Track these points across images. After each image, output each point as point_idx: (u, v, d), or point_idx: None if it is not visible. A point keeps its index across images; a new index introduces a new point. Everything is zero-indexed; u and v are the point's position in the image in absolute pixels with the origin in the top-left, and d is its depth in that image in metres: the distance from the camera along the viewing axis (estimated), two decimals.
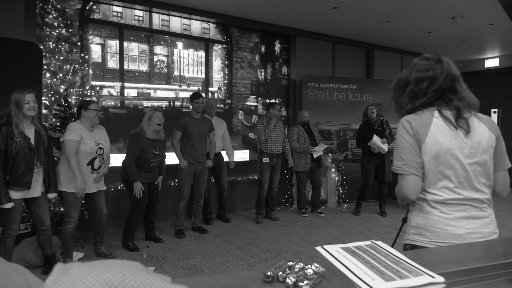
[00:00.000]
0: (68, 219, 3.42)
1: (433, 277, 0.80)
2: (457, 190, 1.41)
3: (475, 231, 1.40)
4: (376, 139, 5.46)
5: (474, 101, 1.47)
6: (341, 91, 6.85)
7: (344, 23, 6.27)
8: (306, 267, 0.80)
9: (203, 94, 5.81)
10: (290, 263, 0.82)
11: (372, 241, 1.03)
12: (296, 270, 0.80)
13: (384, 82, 7.14)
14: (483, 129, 1.44)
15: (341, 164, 6.45)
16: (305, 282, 0.76)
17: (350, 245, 1.01)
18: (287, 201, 6.25)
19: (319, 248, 0.99)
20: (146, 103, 5.33)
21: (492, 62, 8.93)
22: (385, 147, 5.51)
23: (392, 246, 3.65)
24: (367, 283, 0.78)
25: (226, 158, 5.29)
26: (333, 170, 6.42)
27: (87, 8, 4.93)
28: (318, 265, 0.80)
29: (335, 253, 0.96)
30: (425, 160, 1.41)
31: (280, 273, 0.79)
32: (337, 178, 6.43)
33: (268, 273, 0.79)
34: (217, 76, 6.05)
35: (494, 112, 9.01)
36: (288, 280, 0.76)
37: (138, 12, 5.32)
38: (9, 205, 2.88)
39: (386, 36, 7.07)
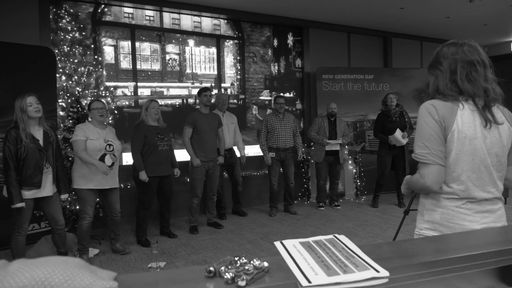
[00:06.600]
0: (83, 215, 3.55)
1: (378, 271, 0.79)
2: (476, 183, 1.37)
3: (489, 226, 1.39)
4: (398, 133, 5.32)
5: (499, 91, 1.44)
6: (356, 81, 6.72)
7: (358, 12, 6.13)
8: (249, 262, 0.80)
9: (216, 90, 5.86)
10: (235, 258, 0.82)
11: (334, 235, 1.02)
12: (237, 265, 0.80)
13: (401, 71, 6.96)
14: (504, 122, 1.42)
15: (358, 156, 6.35)
16: (242, 277, 0.76)
17: (310, 239, 1.00)
18: (304, 195, 6.22)
19: (277, 243, 0.99)
20: (159, 102, 5.41)
21: None
22: (404, 141, 5.37)
23: (394, 239, 3.54)
24: (307, 277, 0.77)
25: (238, 153, 5.31)
26: (350, 162, 6.33)
27: (99, 10, 5.05)
28: (259, 261, 0.80)
29: (291, 247, 0.95)
30: (449, 150, 1.36)
31: (222, 268, 0.80)
32: (354, 170, 6.34)
33: (210, 268, 0.79)
34: (230, 72, 6.07)
35: None
36: (227, 275, 0.76)
37: (149, 12, 5.40)
38: (20, 205, 3.01)
39: (403, 23, 6.86)
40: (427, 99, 1.47)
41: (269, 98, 6.41)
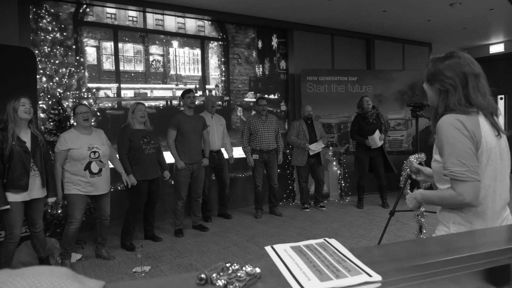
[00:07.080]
0: (71, 220, 3.48)
1: (370, 275, 0.79)
2: (498, 191, 1.40)
3: None
4: (377, 134, 5.40)
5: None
6: (340, 83, 6.78)
7: (341, 15, 6.19)
8: (241, 268, 0.79)
9: (200, 92, 5.83)
10: (227, 265, 0.81)
11: (324, 239, 1.02)
12: (229, 272, 0.79)
13: (384, 73, 7.05)
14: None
15: (342, 157, 6.40)
16: (235, 284, 0.74)
17: (301, 243, 0.99)
18: (289, 196, 6.23)
19: (268, 248, 0.98)
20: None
21: (497, 48, 8.76)
22: (380, 142, 5.46)
23: (379, 242, 3.57)
24: (301, 283, 0.77)
25: (225, 155, 5.29)
26: (334, 163, 6.38)
27: (81, 11, 4.95)
28: (252, 267, 0.79)
29: (282, 252, 0.95)
30: (480, 162, 1.37)
31: (214, 275, 0.78)
32: (338, 172, 6.39)
33: (202, 276, 0.78)
34: (214, 73, 6.04)
35: (501, 98, 8.83)
36: (219, 282, 0.75)
37: (132, 13, 5.32)
38: (5, 207, 2.95)
39: (386, 26, 6.97)
40: (433, 116, 1.48)
41: (254, 99, 6.40)
